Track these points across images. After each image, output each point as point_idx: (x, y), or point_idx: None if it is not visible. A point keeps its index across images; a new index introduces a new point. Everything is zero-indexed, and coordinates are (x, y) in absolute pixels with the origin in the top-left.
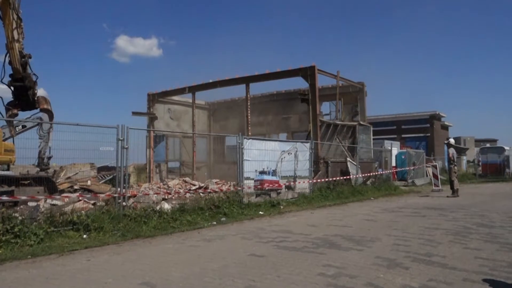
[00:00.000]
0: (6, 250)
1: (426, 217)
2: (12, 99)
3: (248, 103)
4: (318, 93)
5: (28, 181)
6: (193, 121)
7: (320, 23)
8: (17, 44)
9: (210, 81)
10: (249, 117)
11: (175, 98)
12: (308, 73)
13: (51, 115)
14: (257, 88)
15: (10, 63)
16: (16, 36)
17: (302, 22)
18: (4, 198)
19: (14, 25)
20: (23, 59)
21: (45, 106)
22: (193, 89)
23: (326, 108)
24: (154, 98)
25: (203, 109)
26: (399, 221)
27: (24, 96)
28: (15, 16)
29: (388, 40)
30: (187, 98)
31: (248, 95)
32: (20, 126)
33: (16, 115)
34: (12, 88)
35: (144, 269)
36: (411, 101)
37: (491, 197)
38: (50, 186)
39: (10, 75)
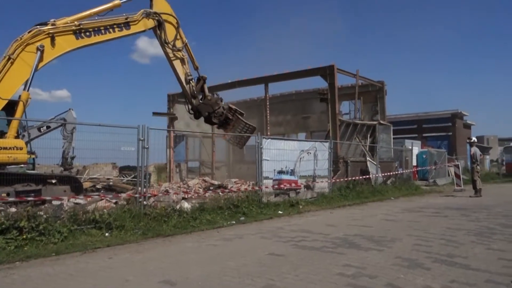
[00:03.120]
0: (31, 247)
1: (448, 217)
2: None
3: (267, 103)
4: (337, 92)
5: (55, 181)
6: None
7: (339, 22)
8: (180, 71)
9: (229, 81)
10: (268, 117)
11: None
12: (327, 72)
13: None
14: (276, 88)
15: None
16: (177, 66)
17: (321, 21)
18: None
19: (170, 48)
20: (192, 84)
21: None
22: (212, 90)
23: (345, 108)
24: (174, 99)
25: None
26: (420, 221)
27: (207, 119)
28: (168, 39)
29: (409, 37)
30: None
31: (267, 95)
32: (45, 127)
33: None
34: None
35: (164, 267)
36: (432, 99)
37: None
38: (76, 185)
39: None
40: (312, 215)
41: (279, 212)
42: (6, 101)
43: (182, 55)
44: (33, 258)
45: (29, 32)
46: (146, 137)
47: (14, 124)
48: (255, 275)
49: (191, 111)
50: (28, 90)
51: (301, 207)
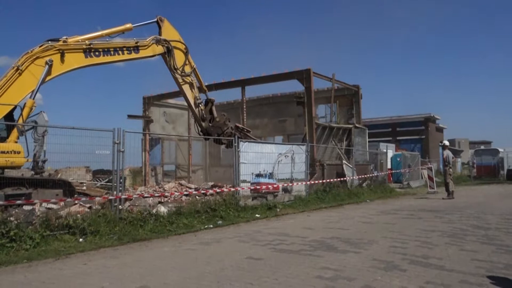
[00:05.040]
0: (1, 255)
1: (422, 219)
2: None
3: (244, 106)
4: (314, 96)
5: (50, 184)
6: (188, 124)
7: (315, 26)
8: (190, 96)
9: (206, 84)
10: (245, 120)
11: (171, 101)
12: (303, 76)
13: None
14: (253, 91)
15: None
16: (187, 91)
17: (297, 25)
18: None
19: (179, 74)
20: (201, 108)
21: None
22: None
23: (321, 111)
24: (149, 101)
25: None
26: (395, 223)
27: (216, 140)
28: (177, 65)
29: (383, 42)
30: (182, 101)
31: (244, 98)
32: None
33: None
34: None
35: (141, 272)
36: (406, 103)
37: (486, 199)
38: (70, 189)
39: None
40: (289, 218)
41: (257, 215)
42: (12, 107)
43: (191, 79)
44: (4, 266)
45: (40, 46)
46: (121, 140)
47: (15, 129)
48: (233, 279)
49: (201, 133)
50: (33, 98)
51: (278, 210)
